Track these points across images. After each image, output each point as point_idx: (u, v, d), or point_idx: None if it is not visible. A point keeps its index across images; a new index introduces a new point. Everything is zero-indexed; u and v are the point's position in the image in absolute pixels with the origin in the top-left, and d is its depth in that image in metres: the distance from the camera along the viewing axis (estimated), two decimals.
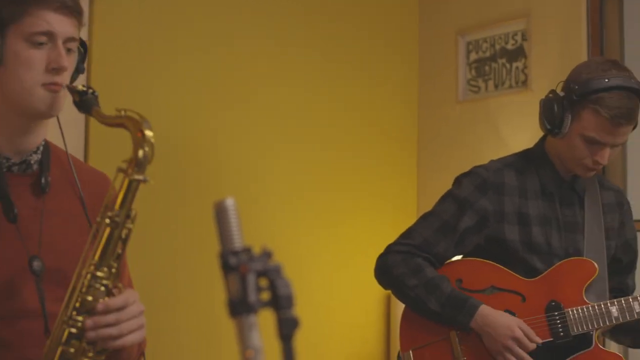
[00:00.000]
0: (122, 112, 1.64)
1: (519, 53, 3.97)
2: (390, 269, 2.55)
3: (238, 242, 1.03)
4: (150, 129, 1.62)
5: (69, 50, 1.77)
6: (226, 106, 3.66)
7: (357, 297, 3.99)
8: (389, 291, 2.67)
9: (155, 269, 3.31)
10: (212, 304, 3.34)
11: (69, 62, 1.77)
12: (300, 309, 1.06)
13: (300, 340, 1.08)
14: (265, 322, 1.04)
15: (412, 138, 4.33)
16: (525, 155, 2.64)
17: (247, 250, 1.03)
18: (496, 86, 4.07)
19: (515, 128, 3.86)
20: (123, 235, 1.64)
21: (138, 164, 1.61)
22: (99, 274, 1.63)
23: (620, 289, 2.64)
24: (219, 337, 3.43)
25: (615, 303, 2.44)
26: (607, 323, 2.44)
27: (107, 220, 1.62)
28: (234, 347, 1.04)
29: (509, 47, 4.02)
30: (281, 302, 1.02)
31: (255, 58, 3.77)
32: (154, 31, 3.48)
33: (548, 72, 3.74)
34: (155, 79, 3.45)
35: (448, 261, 2.59)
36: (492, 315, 2.43)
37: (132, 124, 1.63)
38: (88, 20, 3.20)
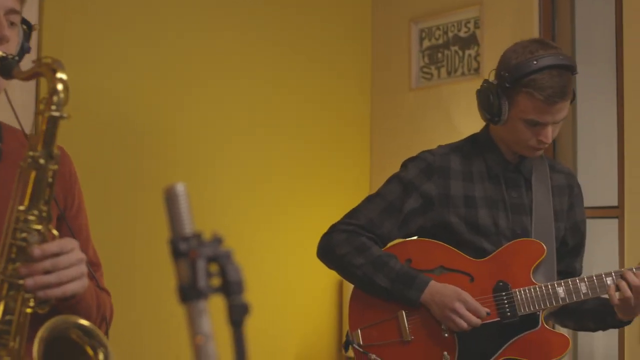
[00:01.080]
0: (37, 62, 1.63)
1: (471, 40, 4.00)
2: (334, 248, 2.56)
3: (188, 228, 1.02)
4: (63, 70, 1.61)
5: (12, 23, 1.76)
6: (181, 94, 3.65)
7: (309, 282, 4.00)
8: (337, 272, 2.67)
9: (110, 254, 3.28)
10: (165, 290, 3.33)
11: (12, 34, 1.75)
12: (252, 295, 1.06)
13: (252, 325, 1.09)
14: (215, 308, 1.05)
15: (365, 124, 4.35)
16: (472, 139, 2.67)
17: (197, 236, 1.02)
18: (449, 73, 4.10)
19: (467, 115, 3.89)
20: (49, 179, 1.61)
21: (55, 104, 1.59)
22: (29, 217, 1.59)
23: (567, 272, 2.67)
24: (170, 322, 3.42)
25: (562, 284, 2.46)
26: (554, 304, 2.47)
27: (29, 161, 1.59)
28: (184, 333, 1.05)
29: (462, 34, 4.05)
30: (231, 288, 1.01)
31: (209, 47, 3.76)
32: (112, 17, 3.45)
33: None
34: (112, 66, 3.42)
35: (398, 241, 2.61)
36: (441, 287, 2.46)
37: (47, 69, 1.62)
38: (39, 6, 3.17)
